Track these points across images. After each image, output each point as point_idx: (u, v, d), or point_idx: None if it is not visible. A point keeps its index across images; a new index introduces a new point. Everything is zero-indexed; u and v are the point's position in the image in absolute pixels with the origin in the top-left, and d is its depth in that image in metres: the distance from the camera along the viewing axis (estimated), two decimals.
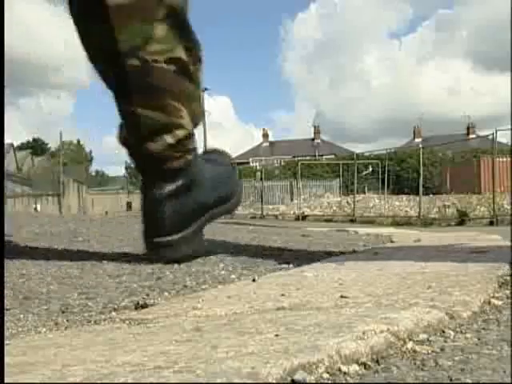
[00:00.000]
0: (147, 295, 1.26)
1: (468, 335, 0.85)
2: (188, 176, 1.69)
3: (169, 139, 1.61)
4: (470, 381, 0.64)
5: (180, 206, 1.66)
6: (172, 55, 1.60)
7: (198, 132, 1.97)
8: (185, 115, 1.63)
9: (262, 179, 18.87)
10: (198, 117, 1.70)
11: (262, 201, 16.73)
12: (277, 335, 0.78)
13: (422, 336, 0.83)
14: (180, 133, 1.63)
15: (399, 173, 22.95)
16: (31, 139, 53.11)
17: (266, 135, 52.81)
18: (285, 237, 2.87)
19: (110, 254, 1.94)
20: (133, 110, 1.59)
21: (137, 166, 1.71)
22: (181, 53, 1.62)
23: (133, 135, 1.63)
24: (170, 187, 1.64)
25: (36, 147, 47.31)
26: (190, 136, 1.67)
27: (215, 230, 3.01)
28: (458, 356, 0.74)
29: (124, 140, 1.69)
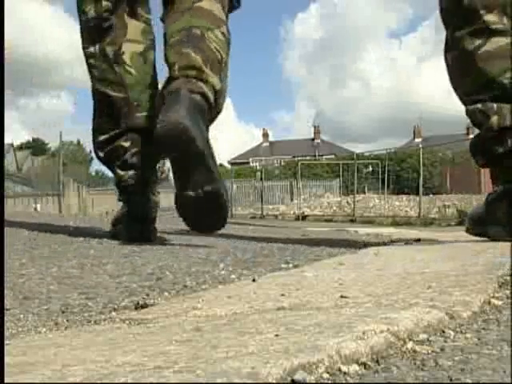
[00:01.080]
0: (147, 295, 1.26)
1: (468, 335, 0.85)
2: (222, 184, 1.84)
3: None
4: (469, 381, 0.64)
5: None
6: (215, 57, 1.87)
7: None
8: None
9: (262, 179, 18.86)
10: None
11: (261, 201, 16.72)
12: (277, 335, 0.78)
13: (422, 336, 0.83)
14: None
15: (399, 173, 22.93)
16: (31, 139, 53.10)
17: (266, 135, 52.77)
18: (285, 237, 2.87)
19: (109, 253, 1.94)
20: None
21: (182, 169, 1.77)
22: (214, 79, 1.85)
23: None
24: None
25: (36, 147, 47.26)
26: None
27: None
28: (457, 356, 0.74)
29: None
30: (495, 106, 1.79)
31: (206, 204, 1.80)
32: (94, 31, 1.99)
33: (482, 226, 1.96)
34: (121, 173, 2.11)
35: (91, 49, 2.03)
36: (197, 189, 1.75)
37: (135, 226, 2.13)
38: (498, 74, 1.77)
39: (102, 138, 2.12)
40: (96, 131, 2.13)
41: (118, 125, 2.08)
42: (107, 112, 2.07)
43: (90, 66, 2.07)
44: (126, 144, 2.07)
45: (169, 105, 1.69)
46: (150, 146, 1.97)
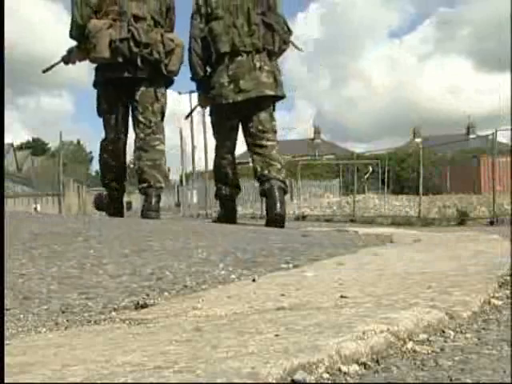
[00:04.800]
0: (147, 295, 1.26)
1: (468, 335, 0.85)
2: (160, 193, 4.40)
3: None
4: (469, 381, 0.64)
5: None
6: (165, 172, 4.57)
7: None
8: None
9: None
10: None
11: (262, 201, 16.72)
12: (277, 335, 0.78)
13: (422, 336, 0.83)
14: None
15: (399, 173, 22.93)
16: (31, 139, 53.07)
17: None
18: (285, 237, 2.87)
19: (109, 253, 1.94)
20: None
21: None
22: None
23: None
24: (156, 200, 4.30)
25: (36, 147, 47.23)
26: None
27: (215, 230, 3.01)
28: (457, 356, 0.74)
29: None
30: (225, 187, 4.52)
31: None
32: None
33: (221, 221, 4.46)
34: (114, 192, 4.50)
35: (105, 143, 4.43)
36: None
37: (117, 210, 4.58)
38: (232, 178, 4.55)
39: (107, 176, 4.45)
40: (103, 171, 4.52)
41: (112, 174, 4.43)
42: (109, 168, 4.41)
43: (102, 149, 4.45)
44: (115, 182, 4.45)
45: (148, 207, 4.17)
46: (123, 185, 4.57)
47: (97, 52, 4.08)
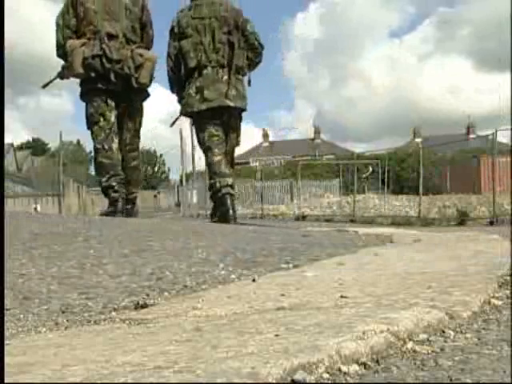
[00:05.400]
0: (147, 295, 1.26)
1: (468, 335, 0.85)
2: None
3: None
4: (470, 381, 0.64)
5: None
6: (140, 178, 5.30)
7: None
8: None
9: (261, 179, 18.86)
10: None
11: (261, 201, 16.71)
12: (277, 335, 0.78)
13: (422, 336, 0.83)
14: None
15: (399, 173, 22.93)
16: (31, 139, 53.06)
17: (266, 135, 52.71)
18: (285, 237, 2.87)
19: (109, 253, 1.94)
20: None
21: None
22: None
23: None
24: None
25: (36, 147, 47.21)
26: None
27: (215, 230, 3.01)
28: (457, 356, 0.74)
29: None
30: (220, 179, 4.63)
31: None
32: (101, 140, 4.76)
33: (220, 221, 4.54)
34: (113, 194, 4.62)
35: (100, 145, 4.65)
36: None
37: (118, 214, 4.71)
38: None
39: (103, 178, 4.60)
40: (99, 174, 4.70)
41: (108, 173, 4.57)
42: (104, 168, 4.60)
43: (96, 154, 4.71)
44: (114, 183, 4.58)
45: (130, 212, 4.72)
46: (123, 183, 4.64)
47: (73, 69, 4.54)
